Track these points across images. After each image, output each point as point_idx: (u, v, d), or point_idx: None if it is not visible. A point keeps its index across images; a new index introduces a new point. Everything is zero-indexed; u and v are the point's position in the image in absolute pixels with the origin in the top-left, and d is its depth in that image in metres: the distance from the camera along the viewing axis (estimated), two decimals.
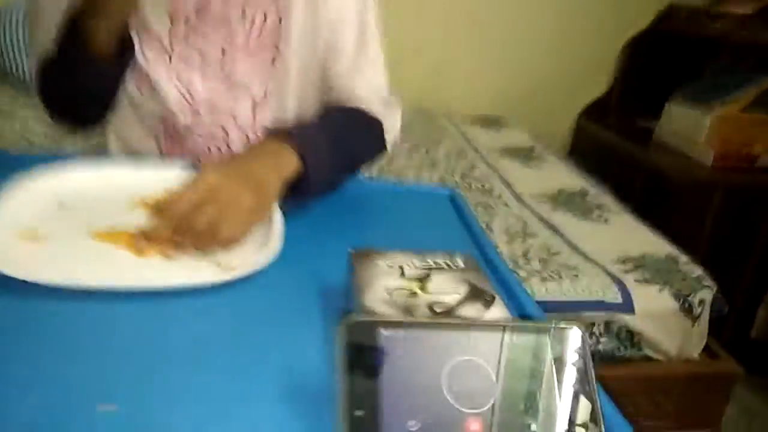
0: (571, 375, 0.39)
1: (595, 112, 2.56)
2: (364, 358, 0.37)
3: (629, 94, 2.49)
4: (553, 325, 0.40)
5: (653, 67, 2.42)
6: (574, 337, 0.40)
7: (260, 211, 0.62)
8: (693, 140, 2.02)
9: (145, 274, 0.54)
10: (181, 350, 0.46)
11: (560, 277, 1.23)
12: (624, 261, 1.33)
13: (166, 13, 0.77)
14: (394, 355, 0.38)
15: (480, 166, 1.90)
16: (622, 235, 1.48)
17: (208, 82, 0.81)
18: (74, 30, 0.69)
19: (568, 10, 2.49)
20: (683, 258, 1.35)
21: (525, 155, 2.04)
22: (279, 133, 0.70)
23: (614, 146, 2.28)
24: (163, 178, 0.68)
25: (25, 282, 0.48)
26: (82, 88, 0.76)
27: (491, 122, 2.41)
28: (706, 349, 1.29)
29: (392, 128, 0.88)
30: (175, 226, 0.57)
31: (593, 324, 1.18)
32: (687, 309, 1.20)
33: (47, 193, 0.64)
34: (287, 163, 0.66)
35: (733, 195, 1.84)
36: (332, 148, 0.73)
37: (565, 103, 2.62)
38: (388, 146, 0.89)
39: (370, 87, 0.86)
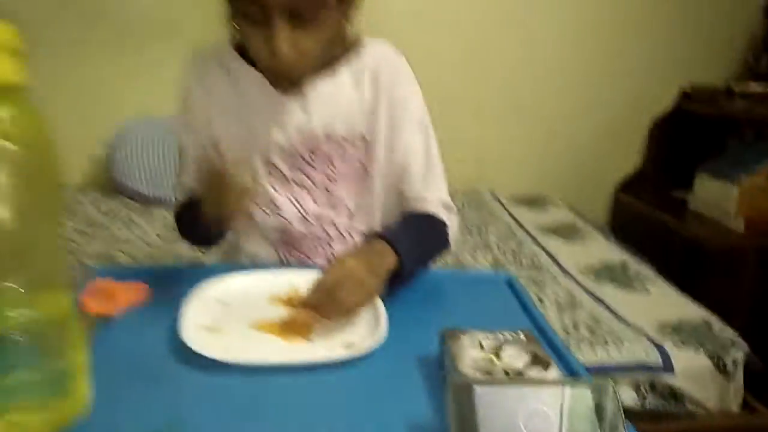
0: (607, 417, 0.58)
1: (630, 186, 2.77)
2: (465, 408, 0.58)
3: (662, 168, 2.69)
4: (593, 381, 0.60)
5: (682, 142, 2.63)
6: (608, 389, 0.60)
7: (376, 293, 0.85)
8: (724, 210, 2.19)
9: (293, 355, 0.75)
10: (322, 412, 0.64)
11: (606, 343, 1.41)
12: (663, 327, 1.51)
13: (289, 154, 1.02)
14: (485, 406, 0.58)
15: (528, 243, 2.11)
16: (661, 303, 1.66)
17: (315, 199, 1.06)
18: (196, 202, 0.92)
19: (596, 91, 2.74)
20: (717, 322, 1.53)
21: (568, 231, 2.25)
22: (378, 236, 0.92)
23: (651, 218, 2.46)
24: (290, 279, 0.91)
25: (212, 360, 0.69)
26: (206, 236, 1.04)
27: (534, 201, 2.63)
28: (746, 404, 1.44)
29: (453, 229, 1.10)
30: (321, 295, 0.80)
31: (639, 384, 1.35)
32: (722, 368, 1.36)
33: (213, 296, 0.87)
34: (390, 261, 0.89)
35: (765, 258, 1.99)
36: (416, 249, 0.95)
37: (601, 180, 2.83)
38: (451, 243, 1.11)
39: (436, 197, 1.07)
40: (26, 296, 0.54)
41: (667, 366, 1.35)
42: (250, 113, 1.01)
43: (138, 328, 0.79)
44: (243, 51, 1.00)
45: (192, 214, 0.94)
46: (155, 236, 2.03)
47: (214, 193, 0.86)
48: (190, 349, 0.71)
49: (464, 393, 0.58)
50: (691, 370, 1.36)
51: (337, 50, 1.01)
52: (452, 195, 1.09)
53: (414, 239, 0.97)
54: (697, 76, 2.69)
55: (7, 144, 0.51)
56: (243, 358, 0.71)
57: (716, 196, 2.26)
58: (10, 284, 0.53)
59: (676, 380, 1.35)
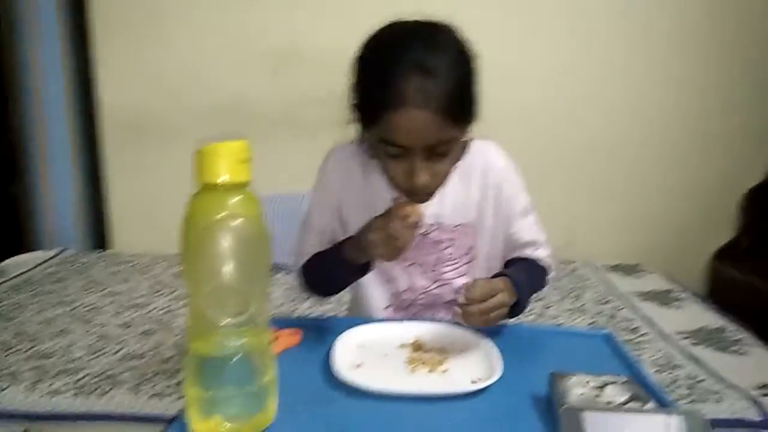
0: None
1: (726, 255, 2.80)
2: (575, 431, 0.72)
3: (757, 236, 2.71)
4: (687, 412, 0.74)
5: None
6: (701, 420, 0.72)
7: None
8: None
9: (424, 386, 0.91)
10: None
11: (706, 400, 1.48)
12: (762, 386, 1.56)
13: None
14: (591, 429, 0.72)
15: (624, 308, 2.19)
16: (760, 365, 1.71)
17: (425, 277, 1.22)
18: (340, 251, 1.11)
19: (687, 163, 2.83)
20: None
21: (663, 297, 2.31)
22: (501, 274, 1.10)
23: (748, 285, 2.49)
24: (414, 328, 1.09)
25: (358, 389, 0.87)
26: (334, 284, 1.22)
27: (629, 269, 2.70)
28: None
29: (550, 265, 1.25)
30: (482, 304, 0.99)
31: None
32: None
33: (351, 341, 1.04)
34: (511, 294, 1.06)
35: None
36: (528, 286, 1.12)
37: (696, 249, 2.87)
38: (549, 279, 1.26)
39: (534, 239, 1.23)
40: (242, 331, 0.74)
41: (766, 422, 1.41)
42: (377, 203, 1.12)
43: (297, 363, 0.97)
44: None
45: (328, 265, 1.15)
46: (280, 296, 2.27)
47: (384, 233, 0.99)
48: (339, 380, 0.90)
49: (574, 417, 0.73)
50: None
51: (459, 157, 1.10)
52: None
53: (526, 278, 1.13)
54: None
55: (237, 221, 0.72)
56: (381, 388, 0.88)
57: None
58: (230, 321, 0.73)
59: None
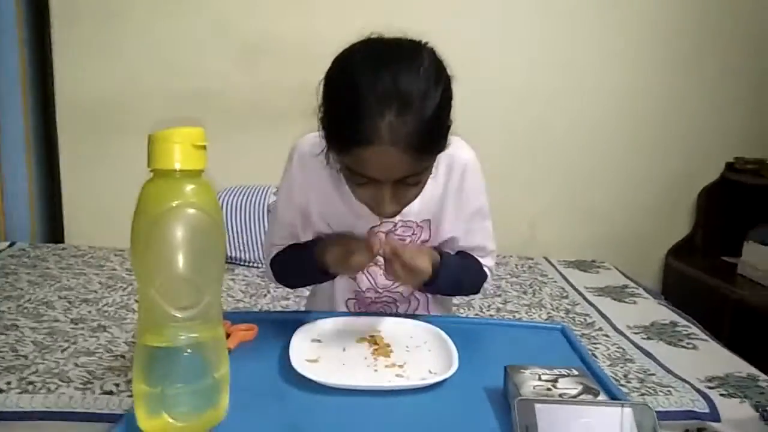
0: None
1: (680, 252, 2.89)
2: (528, 423, 0.73)
3: (711, 234, 2.80)
4: (635, 404, 0.75)
5: (729, 210, 2.75)
6: (648, 411, 0.74)
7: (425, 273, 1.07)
8: None
9: (380, 381, 0.91)
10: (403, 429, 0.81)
11: (656, 393, 1.52)
12: (710, 380, 1.60)
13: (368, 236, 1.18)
14: (544, 420, 0.73)
15: (580, 303, 2.23)
16: (709, 359, 1.76)
17: (387, 276, 1.20)
18: (305, 255, 1.12)
19: (646, 162, 2.90)
20: (762, 376, 1.62)
21: (619, 293, 2.37)
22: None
23: (701, 282, 2.57)
24: (371, 322, 1.10)
25: (314, 383, 0.87)
26: (301, 281, 1.23)
27: (586, 265, 2.75)
28: None
29: (488, 275, 1.26)
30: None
31: (687, 430, 1.45)
32: (765, 417, 1.45)
33: (308, 335, 1.04)
34: (435, 263, 1.08)
35: None
36: (457, 270, 1.15)
37: (651, 246, 2.96)
38: (480, 293, 1.28)
39: (483, 245, 1.23)
40: (195, 324, 0.72)
41: (714, 414, 1.45)
42: (340, 202, 1.13)
43: (251, 358, 0.96)
44: None
45: (298, 264, 1.15)
46: (239, 291, 2.24)
47: (343, 252, 1.04)
48: (296, 374, 0.89)
49: (528, 409, 0.74)
50: (735, 418, 1.45)
51: None
52: (505, 257, 1.26)
53: (459, 264, 1.16)
54: (741, 150, 2.84)
55: (190, 210, 0.71)
56: (339, 382, 0.88)
57: (763, 261, 2.36)
58: (183, 314, 0.71)
59: (722, 428, 1.44)
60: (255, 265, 2.49)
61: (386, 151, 0.89)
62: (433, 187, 1.12)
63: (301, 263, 1.16)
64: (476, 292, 1.28)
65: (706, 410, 1.46)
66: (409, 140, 0.88)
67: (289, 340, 0.99)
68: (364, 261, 1.04)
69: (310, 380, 0.87)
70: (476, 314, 2.07)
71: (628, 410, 0.74)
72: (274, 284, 1.26)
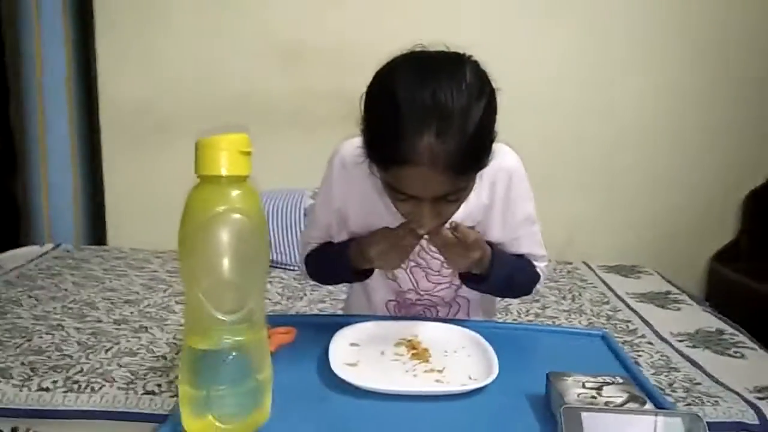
0: None
1: (725, 257, 2.80)
2: (574, 430, 0.72)
3: (757, 238, 2.71)
4: (684, 414, 0.73)
5: None
6: (698, 422, 0.71)
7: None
8: None
9: (420, 386, 0.90)
10: None
11: (703, 403, 1.48)
12: (760, 390, 1.55)
13: None
14: (590, 429, 0.72)
15: (622, 309, 2.19)
16: (758, 368, 1.70)
17: (429, 278, 1.21)
18: (344, 253, 1.12)
19: (688, 165, 2.84)
20: None
21: (662, 299, 2.31)
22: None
23: (747, 287, 2.49)
24: (410, 327, 1.09)
25: (354, 386, 0.86)
26: (335, 280, 1.24)
27: (627, 270, 2.70)
28: None
29: (540, 277, 1.23)
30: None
31: None
32: None
33: (346, 339, 1.03)
34: (485, 260, 1.07)
35: None
36: (508, 268, 1.12)
37: (695, 251, 2.89)
38: (534, 289, 1.24)
39: (533, 252, 1.21)
40: (239, 327, 0.73)
41: (765, 426, 1.40)
42: (383, 210, 1.11)
43: (291, 361, 0.96)
44: None
45: (331, 261, 1.16)
46: (276, 294, 2.25)
47: (389, 245, 1.04)
48: (336, 378, 0.89)
49: (574, 417, 0.73)
50: None
51: None
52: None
53: (512, 259, 1.15)
54: None
55: (236, 215, 0.71)
56: (379, 387, 0.87)
57: None
58: (228, 317, 0.72)
59: None
60: (292, 267, 2.50)
61: (425, 171, 0.87)
62: (478, 195, 1.10)
63: (335, 260, 1.16)
64: (528, 293, 1.25)
65: (756, 422, 1.42)
66: (449, 161, 0.87)
67: (328, 343, 0.99)
68: (413, 243, 1.04)
69: (350, 384, 0.87)
70: (514, 319, 2.05)
71: (677, 420, 0.72)
72: (309, 284, 1.27)
